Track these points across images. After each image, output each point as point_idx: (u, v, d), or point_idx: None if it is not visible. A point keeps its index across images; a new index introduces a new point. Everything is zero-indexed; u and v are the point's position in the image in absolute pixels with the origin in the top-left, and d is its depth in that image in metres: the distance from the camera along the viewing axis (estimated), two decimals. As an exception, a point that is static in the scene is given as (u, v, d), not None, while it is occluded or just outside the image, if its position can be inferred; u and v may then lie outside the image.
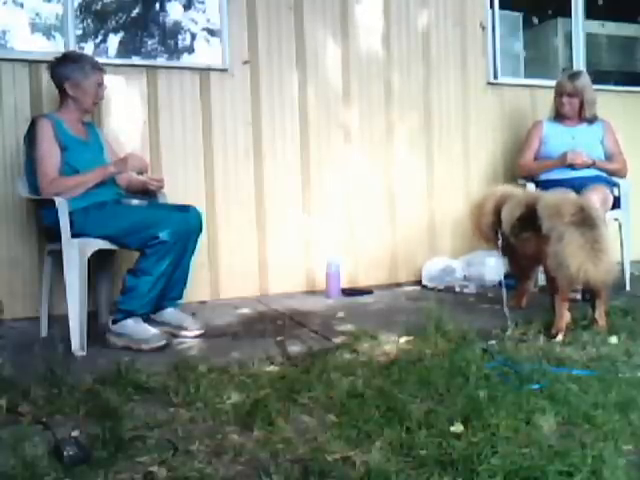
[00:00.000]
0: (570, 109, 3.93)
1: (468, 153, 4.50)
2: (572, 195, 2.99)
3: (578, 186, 3.52)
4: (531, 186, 3.87)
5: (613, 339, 2.62)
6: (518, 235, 3.02)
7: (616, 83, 5.34)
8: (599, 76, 4.76)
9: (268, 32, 3.95)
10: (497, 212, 3.17)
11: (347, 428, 1.76)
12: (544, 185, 3.70)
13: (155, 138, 3.71)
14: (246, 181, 3.92)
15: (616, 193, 3.75)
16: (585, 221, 2.67)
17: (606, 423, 1.74)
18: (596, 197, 3.43)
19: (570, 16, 4.94)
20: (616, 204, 3.73)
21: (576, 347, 2.54)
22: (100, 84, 3.05)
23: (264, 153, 3.96)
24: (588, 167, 3.77)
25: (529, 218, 2.90)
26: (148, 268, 2.75)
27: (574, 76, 3.91)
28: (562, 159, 3.77)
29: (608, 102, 4.37)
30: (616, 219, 3.77)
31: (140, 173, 3.01)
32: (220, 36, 3.89)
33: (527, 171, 3.98)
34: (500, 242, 3.10)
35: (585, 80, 3.91)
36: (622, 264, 3.70)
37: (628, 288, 3.75)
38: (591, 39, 5.19)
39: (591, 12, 5.09)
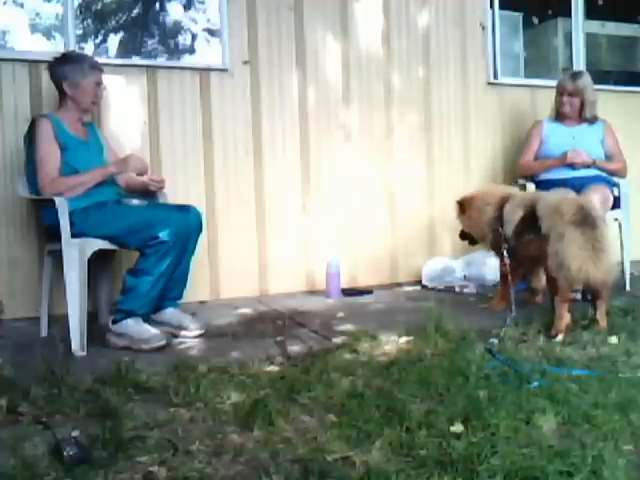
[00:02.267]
0: (571, 109, 3.93)
1: (468, 153, 4.50)
2: (572, 195, 2.99)
3: (578, 186, 3.51)
4: (531, 186, 3.87)
5: (613, 339, 2.62)
6: (520, 237, 3.01)
7: (616, 83, 5.35)
8: (599, 76, 4.76)
9: (268, 32, 3.95)
10: (500, 209, 3.14)
11: (347, 428, 1.76)
12: (544, 185, 3.69)
13: (155, 138, 3.71)
14: (246, 181, 3.92)
15: (616, 193, 3.76)
16: (585, 220, 2.66)
17: (606, 423, 1.74)
18: (596, 197, 3.44)
19: (570, 16, 4.94)
20: (616, 204, 3.73)
21: (576, 347, 2.54)
22: (99, 84, 3.04)
23: (264, 153, 3.96)
24: (588, 167, 3.77)
25: (530, 219, 2.89)
26: (148, 268, 2.75)
27: (576, 76, 3.92)
28: (562, 158, 3.77)
29: (608, 102, 4.36)
30: (616, 219, 3.77)
31: (140, 174, 3.01)
32: (220, 36, 3.89)
33: (527, 170, 3.98)
34: (504, 244, 3.08)
35: (586, 80, 3.91)
36: (622, 264, 3.70)
37: (628, 288, 3.75)
38: (591, 39, 5.19)
39: (591, 12, 5.09)
